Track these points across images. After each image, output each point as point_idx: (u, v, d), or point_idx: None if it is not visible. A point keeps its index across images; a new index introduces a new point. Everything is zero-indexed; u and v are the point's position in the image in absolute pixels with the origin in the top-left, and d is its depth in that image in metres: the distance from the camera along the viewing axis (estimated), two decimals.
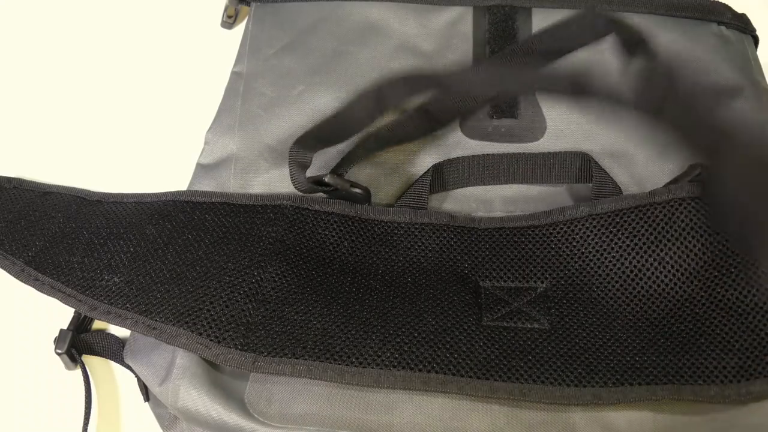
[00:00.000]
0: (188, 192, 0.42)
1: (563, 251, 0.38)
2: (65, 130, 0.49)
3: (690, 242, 0.36)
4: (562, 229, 0.38)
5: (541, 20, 0.47)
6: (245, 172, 0.42)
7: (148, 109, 0.49)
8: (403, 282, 0.37)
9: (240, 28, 0.51)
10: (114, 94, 0.50)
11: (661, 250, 0.36)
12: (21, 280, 0.37)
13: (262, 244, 0.38)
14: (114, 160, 0.47)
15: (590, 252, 0.37)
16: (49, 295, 0.36)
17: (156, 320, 0.34)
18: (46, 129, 0.49)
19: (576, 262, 0.38)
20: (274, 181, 0.42)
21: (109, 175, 0.46)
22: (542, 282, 0.37)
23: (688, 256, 0.36)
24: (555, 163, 0.42)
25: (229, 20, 0.51)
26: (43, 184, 0.44)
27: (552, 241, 0.38)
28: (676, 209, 0.36)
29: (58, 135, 0.49)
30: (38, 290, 0.36)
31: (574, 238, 0.38)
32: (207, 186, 0.42)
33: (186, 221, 0.39)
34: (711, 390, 0.32)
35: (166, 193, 0.42)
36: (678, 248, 0.36)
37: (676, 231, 0.36)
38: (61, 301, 0.36)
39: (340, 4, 0.48)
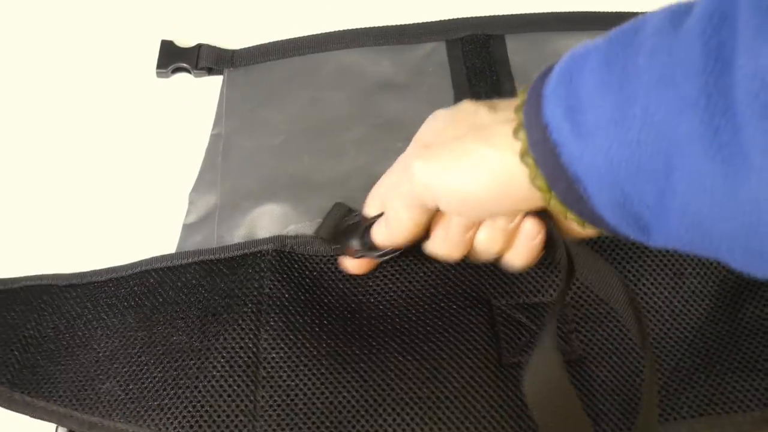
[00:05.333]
0: (156, 258, 0.39)
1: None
2: (45, 201, 0.45)
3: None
4: None
5: (515, 45, 0.47)
6: (229, 218, 0.41)
7: (131, 179, 0.46)
8: (409, 320, 0.35)
9: (216, 93, 0.50)
10: (98, 169, 0.47)
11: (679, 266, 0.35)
12: (11, 410, 0.33)
13: (249, 305, 0.35)
14: (100, 234, 0.44)
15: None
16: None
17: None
18: (22, 205, 0.45)
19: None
20: (257, 218, 0.40)
21: (95, 250, 0.43)
22: None
23: (705, 273, 0.35)
24: None
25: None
26: (9, 279, 0.39)
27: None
28: None
29: (36, 208, 0.45)
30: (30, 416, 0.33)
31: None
32: (192, 245, 0.40)
33: (155, 302, 0.36)
34: (751, 416, 0.30)
35: (139, 262, 0.38)
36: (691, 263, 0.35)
37: None
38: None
39: (312, 56, 0.49)
